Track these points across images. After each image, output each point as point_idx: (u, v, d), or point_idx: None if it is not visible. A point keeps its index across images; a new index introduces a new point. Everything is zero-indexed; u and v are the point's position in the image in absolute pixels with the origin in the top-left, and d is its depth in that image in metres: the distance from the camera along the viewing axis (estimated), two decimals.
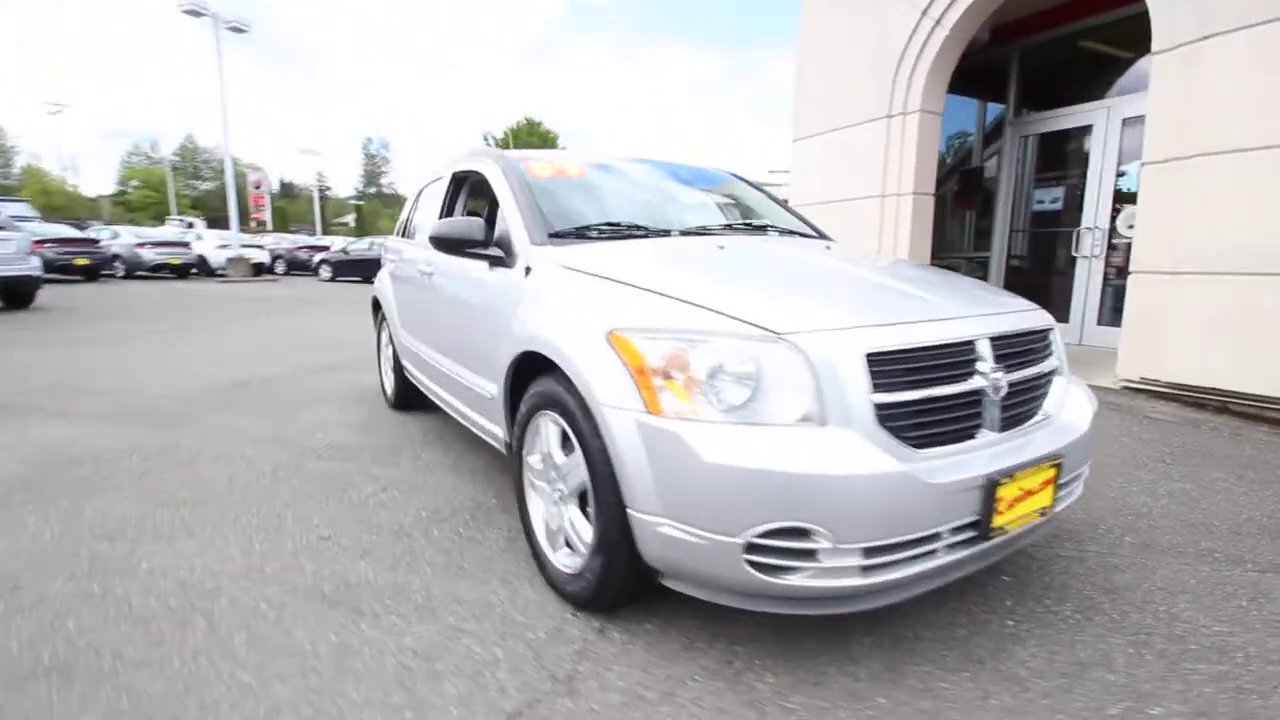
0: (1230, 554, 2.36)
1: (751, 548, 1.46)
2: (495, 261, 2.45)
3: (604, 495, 1.70)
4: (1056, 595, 2.06)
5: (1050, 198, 6.72)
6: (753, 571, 1.48)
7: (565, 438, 1.93)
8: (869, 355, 1.53)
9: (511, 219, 2.43)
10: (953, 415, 1.64)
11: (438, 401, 3.27)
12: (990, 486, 1.56)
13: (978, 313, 1.80)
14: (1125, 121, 5.92)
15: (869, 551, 1.46)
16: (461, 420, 2.95)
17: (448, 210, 3.31)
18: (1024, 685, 1.63)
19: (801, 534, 1.44)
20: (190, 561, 2.25)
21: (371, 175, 78.09)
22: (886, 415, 1.52)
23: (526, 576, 2.16)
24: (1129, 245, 5.90)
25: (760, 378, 1.52)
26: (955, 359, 1.67)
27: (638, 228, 2.49)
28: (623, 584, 1.78)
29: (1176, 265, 4.40)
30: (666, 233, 2.51)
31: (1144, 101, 5.71)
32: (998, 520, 1.60)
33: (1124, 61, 6.12)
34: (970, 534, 1.59)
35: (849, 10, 6.87)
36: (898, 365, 1.57)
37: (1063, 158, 6.67)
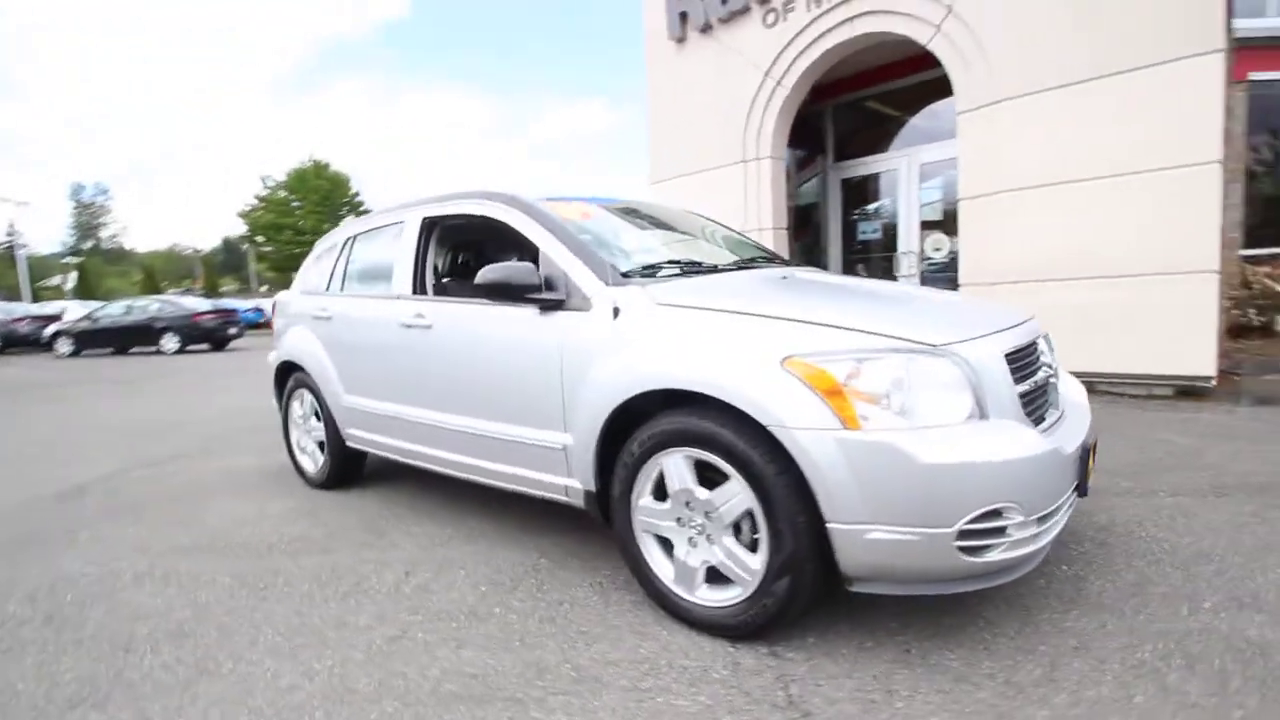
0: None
1: (962, 534, 1.63)
2: (550, 306, 2.35)
3: (786, 517, 1.76)
4: None
5: (871, 229, 8.03)
6: (962, 556, 1.65)
7: (701, 472, 1.95)
8: (1006, 354, 1.82)
9: (566, 262, 2.37)
10: (1040, 401, 1.99)
11: (434, 467, 2.96)
12: (1086, 453, 1.93)
13: (1022, 319, 2.20)
14: (923, 165, 7.34)
15: (1040, 519, 1.72)
16: (485, 480, 2.72)
17: (420, 257, 3.06)
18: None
19: (996, 514, 1.65)
20: None
21: (86, 228, 64.72)
22: (1022, 404, 1.82)
23: (654, 622, 2.09)
24: (940, 264, 7.30)
25: (933, 386, 1.72)
26: (1033, 355, 2.04)
27: (691, 264, 2.58)
28: (808, 601, 1.84)
29: (997, 278, 5.57)
30: (715, 268, 2.63)
31: (937, 150, 7.18)
32: (1089, 480, 1.98)
33: (916, 117, 7.60)
34: (1075, 495, 1.94)
35: (696, 67, 7.61)
36: (1018, 362, 1.89)
37: (877, 195, 8.02)
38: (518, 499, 3.26)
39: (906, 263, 7.53)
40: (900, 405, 1.70)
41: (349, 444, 3.53)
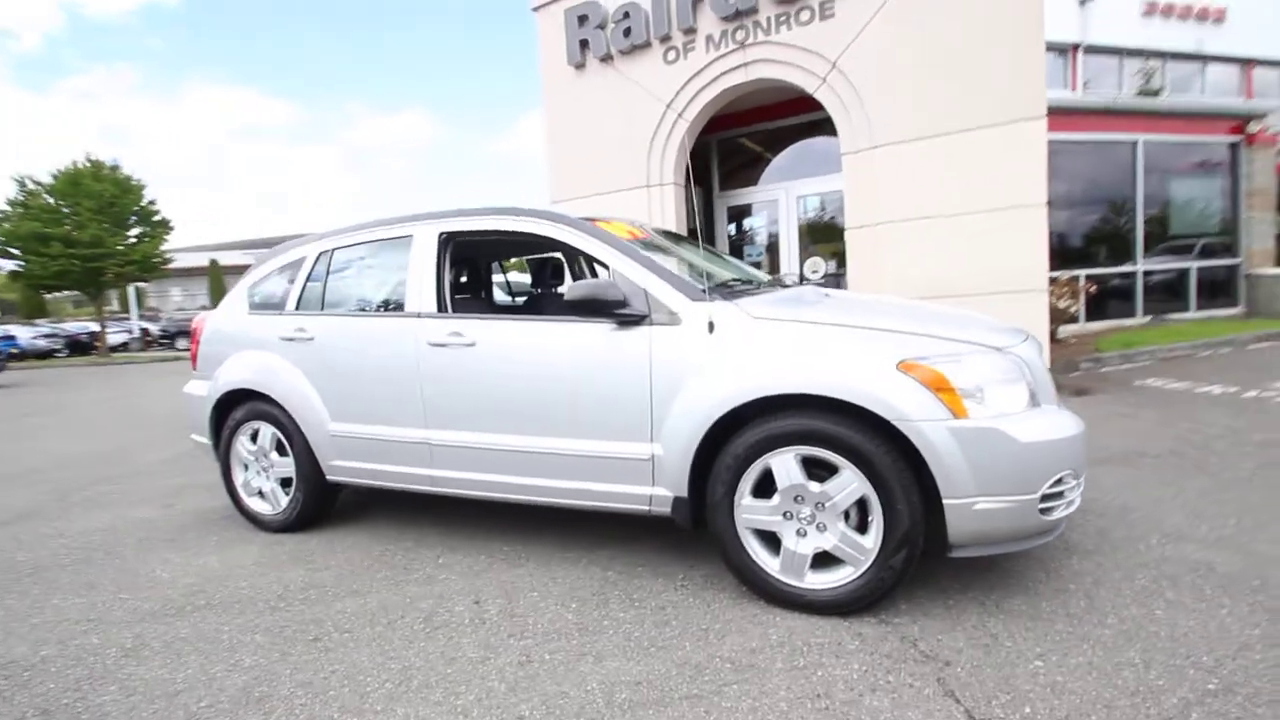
0: None
1: (1044, 498, 2.04)
2: (631, 321, 2.44)
3: (903, 498, 2.04)
4: None
5: (756, 251, 8.82)
6: (1041, 516, 2.05)
7: (813, 467, 2.17)
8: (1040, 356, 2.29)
9: (643, 278, 2.46)
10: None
11: (464, 491, 2.84)
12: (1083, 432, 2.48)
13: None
14: (800, 197, 8.27)
15: (1078, 484, 2.19)
16: (543, 499, 2.68)
17: (441, 273, 2.92)
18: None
19: (1060, 480, 2.08)
20: None
21: None
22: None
23: (762, 612, 2.24)
24: (816, 284, 8.22)
25: (1006, 381, 2.12)
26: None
27: (744, 281, 2.80)
28: (913, 570, 2.13)
29: None
30: (760, 285, 2.87)
31: (814, 184, 8.14)
32: None
33: (796, 153, 8.53)
34: None
35: (597, 93, 7.85)
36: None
37: (760, 221, 8.85)
38: (515, 517, 3.24)
39: (788, 282, 8.38)
40: (987, 397, 2.07)
41: (330, 477, 3.21)
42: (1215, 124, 11.22)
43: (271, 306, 3.41)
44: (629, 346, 2.44)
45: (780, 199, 8.44)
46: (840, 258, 7.75)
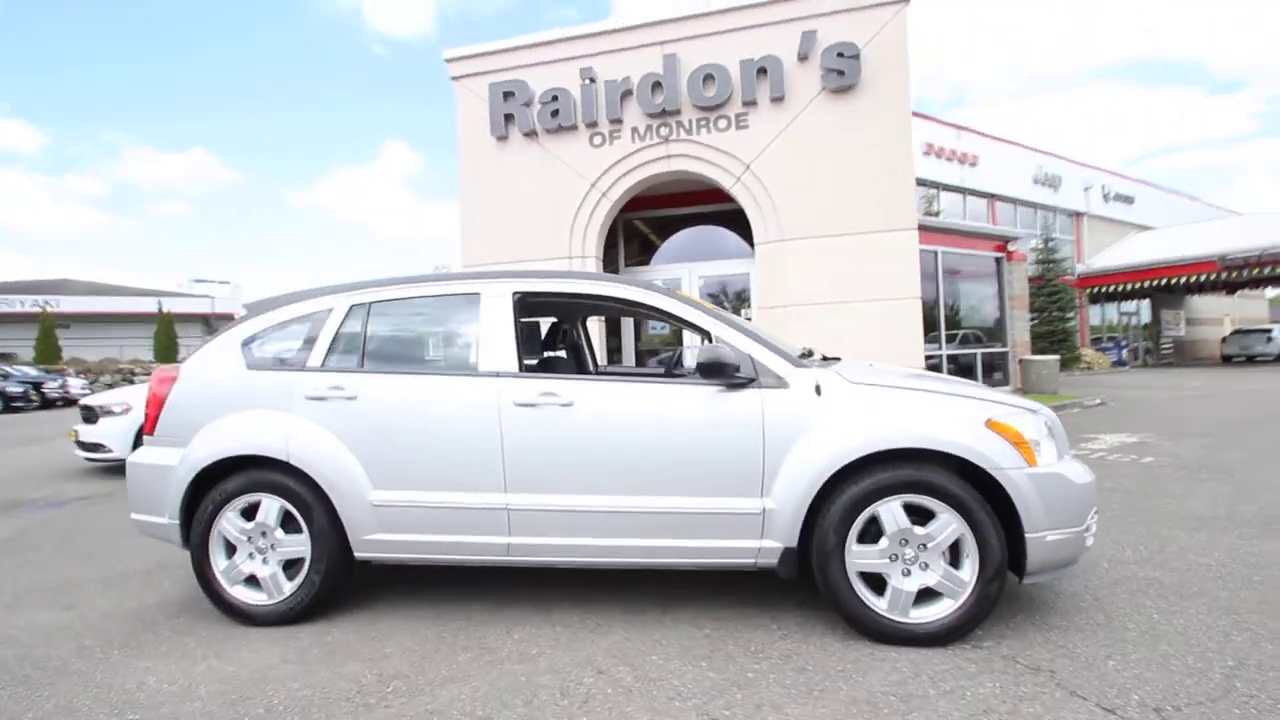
0: None
1: (1087, 529, 2.57)
2: (741, 384, 2.65)
3: (994, 535, 2.45)
4: None
5: (660, 325, 9.36)
6: (1086, 545, 2.58)
7: (915, 513, 2.52)
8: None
9: (747, 345, 2.70)
10: None
11: (543, 559, 2.74)
12: None
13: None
14: (701, 277, 9.05)
15: (1096, 518, 2.78)
16: (637, 560, 2.69)
17: (516, 331, 2.89)
18: None
19: (1093, 514, 2.64)
20: None
21: None
22: None
23: (876, 649, 2.46)
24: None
25: (1048, 437, 2.66)
26: None
27: (808, 351, 3.12)
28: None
29: None
30: (824, 357, 3.23)
31: (714, 266, 8.96)
32: None
33: (699, 236, 9.34)
34: None
35: (519, 165, 8.05)
36: None
37: None
38: (534, 585, 3.20)
39: (690, 355, 9.00)
40: (1042, 449, 2.59)
41: (360, 554, 2.87)
42: (987, 242, 14.37)
43: (285, 363, 3.05)
44: (739, 407, 2.63)
45: (683, 278, 9.14)
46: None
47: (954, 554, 2.52)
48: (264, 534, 2.92)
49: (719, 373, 2.60)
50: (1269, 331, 25.60)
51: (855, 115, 7.06)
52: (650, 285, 2.93)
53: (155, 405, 3.12)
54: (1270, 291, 32.43)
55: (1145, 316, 26.70)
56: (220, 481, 2.94)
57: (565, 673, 2.37)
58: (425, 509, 2.79)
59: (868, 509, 2.52)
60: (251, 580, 2.94)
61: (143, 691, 2.33)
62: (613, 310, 4.20)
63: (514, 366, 2.83)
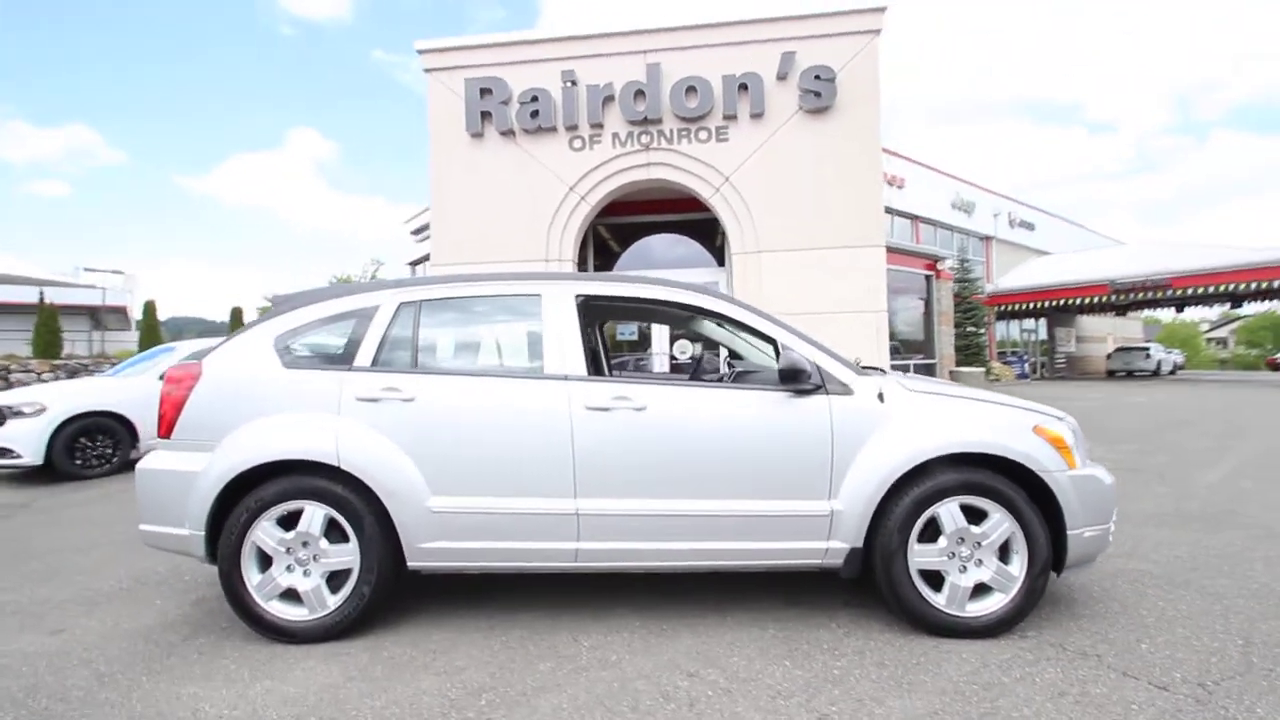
0: None
1: (1111, 525, 2.83)
2: (810, 391, 2.75)
3: (1041, 532, 2.66)
4: None
5: (629, 330, 9.39)
6: (1109, 539, 2.85)
7: (970, 513, 2.70)
8: None
9: (813, 354, 2.80)
10: None
11: (625, 563, 2.74)
12: None
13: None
14: None
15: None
16: (706, 562, 2.73)
17: (583, 334, 2.88)
18: None
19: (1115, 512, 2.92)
20: None
21: None
22: None
23: (938, 643, 2.62)
24: (683, 364, 9.05)
25: (1077, 441, 2.92)
26: None
27: (858, 361, 3.26)
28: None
29: None
30: (870, 367, 3.36)
31: (682, 275, 9.07)
32: None
33: (669, 244, 9.44)
34: None
35: (494, 163, 7.89)
36: None
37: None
38: (567, 591, 3.21)
39: (659, 361, 9.10)
40: (1076, 453, 2.84)
41: (414, 563, 2.76)
42: (919, 261, 15.35)
43: (330, 363, 2.88)
44: (809, 413, 2.73)
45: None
46: (706, 342, 8.72)
47: (1003, 551, 2.71)
48: (305, 544, 2.74)
49: (796, 379, 2.69)
50: (1147, 349, 28.70)
51: (829, 136, 7.41)
52: (718, 292, 2.99)
53: (173, 407, 2.87)
54: (1147, 312, 36.30)
55: (1043, 333, 29.26)
56: (254, 489, 2.74)
57: (656, 677, 2.37)
58: (489, 515, 2.72)
59: (928, 510, 2.67)
60: (289, 594, 2.75)
61: (198, 711, 2.14)
62: (667, 317, 4.22)
63: (582, 370, 2.81)
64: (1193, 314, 47.07)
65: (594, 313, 3.45)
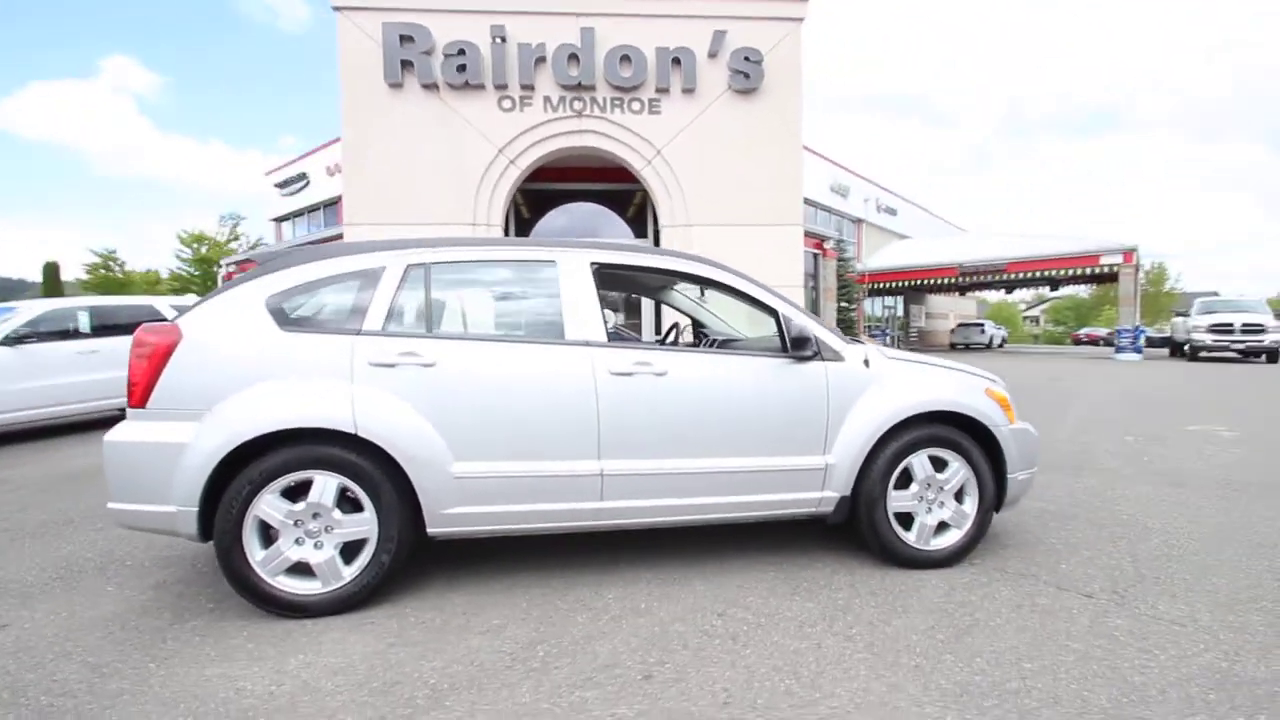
0: None
1: (1034, 469, 3.41)
2: (809, 357, 3.03)
3: (989, 478, 3.16)
4: None
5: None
6: (1032, 481, 3.43)
7: (934, 462, 3.14)
8: None
9: (809, 324, 3.08)
10: None
11: (645, 520, 2.90)
12: None
13: None
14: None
15: None
16: (717, 515, 2.96)
17: (599, 303, 2.97)
18: None
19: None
20: None
21: None
22: None
23: (912, 575, 3.05)
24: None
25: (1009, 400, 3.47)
26: None
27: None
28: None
29: None
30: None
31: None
32: None
33: (581, 216, 9.40)
34: None
35: (417, 118, 7.44)
36: None
37: None
38: (568, 548, 3.40)
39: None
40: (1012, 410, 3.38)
41: (434, 529, 2.75)
42: (809, 240, 16.44)
43: (335, 326, 2.73)
44: (809, 377, 3.02)
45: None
46: (629, 311, 8.93)
47: (958, 494, 3.19)
48: (316, 515, 2.63)
49: (802, 346, 2.96)
50: (982, 325, 32.80)
51: (756, 117, 7.75)
52: (725, 266, 3.17)
53: (147, 372, 2.60)
54: (980, 293, 41.34)
55: (900, 310, 32.49)
56: (255, 460, 2.57)
57: (690, 620, 2.58)
58: (514, 479, 2.75)
59: (904, 461, 3.08)
60: (298, 568, 2.63)
61: (250, 699, 2.05)
62: (638, 286, 4.33)
63: (602, 336, 2.89)
64: (1015, 295, 54.28)
65: (603, 282, 3.50)
